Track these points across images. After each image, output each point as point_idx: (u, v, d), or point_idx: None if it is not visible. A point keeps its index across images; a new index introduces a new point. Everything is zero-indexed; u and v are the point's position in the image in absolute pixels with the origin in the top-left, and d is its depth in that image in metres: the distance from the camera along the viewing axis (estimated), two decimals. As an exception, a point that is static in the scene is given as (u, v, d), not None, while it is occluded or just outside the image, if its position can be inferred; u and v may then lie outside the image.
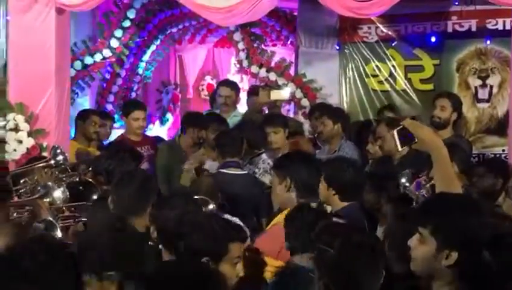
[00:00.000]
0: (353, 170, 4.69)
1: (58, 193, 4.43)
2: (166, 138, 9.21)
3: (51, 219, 4.02)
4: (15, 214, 4.37)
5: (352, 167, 4.77)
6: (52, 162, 4.96)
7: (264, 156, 6.16)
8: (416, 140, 3.40)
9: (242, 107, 8.98)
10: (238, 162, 5.64)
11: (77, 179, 5.05)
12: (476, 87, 8.48)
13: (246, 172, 5.70)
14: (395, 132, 3.51)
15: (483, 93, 8.45)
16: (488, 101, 8.43)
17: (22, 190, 4.71)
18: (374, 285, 2.68)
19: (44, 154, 6.43)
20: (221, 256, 3.09)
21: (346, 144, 6.77)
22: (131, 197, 3.74)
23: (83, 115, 7.37)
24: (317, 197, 4.35)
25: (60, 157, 5.08)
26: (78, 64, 8.98)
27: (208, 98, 11.18)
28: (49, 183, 4.54)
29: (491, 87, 8.41)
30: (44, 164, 5.00)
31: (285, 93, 7.92)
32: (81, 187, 4.80)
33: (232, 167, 5.57)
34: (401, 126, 3.51)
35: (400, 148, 3.56)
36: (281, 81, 8.80)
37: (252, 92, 8.30)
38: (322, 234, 2.80)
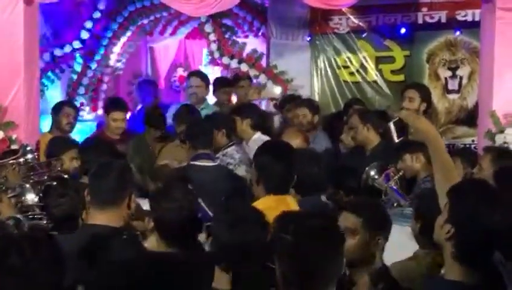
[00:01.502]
0: (312, 165, 4.71)
1: (31, 195, 4.42)
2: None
3: (18, 216, 4.00)
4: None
5: (312, 161, 4.77)
6: (21, 160, 4.93)
7: (235, 146, 6.15)
8: (412, 131, 3.43)
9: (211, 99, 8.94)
10: (209, 154, 5.61)
11: (46, 176, 5.00)
12: (446, 78, 8.55)
13: (217, 163, 5.67)
14: (391, 124, 3.53)
15: (453, 84, 8.52)
16: (458, 92, 8.51)
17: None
18: (334, 271, 2.64)
19: (14, 146, 6.36)
20: None
21: (320, 135, 6.78)
22: (108, 188, 3.68)
23: (56, 107, 7.27)
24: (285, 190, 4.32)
25: (29, 156, 5.05)
26: (47, 56, 8.92)
27: (179, 89, 11.14)
28: (26, 185, 4.52)
29: (461, 78, 8.49)
30: (13, 161, 4.96)
31: (276, 91, 7.94)
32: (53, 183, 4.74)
33: (204, 159, 5.55)
34: (397, 118, 3.54)
35: (396, 140, 3.56)
36: (252, 73, 8.80)
37: (221, 84, 8.25)
38: (279, 221, 2.76)
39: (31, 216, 4.36)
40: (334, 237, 2.65)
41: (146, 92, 9.21)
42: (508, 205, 2.94)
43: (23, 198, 4.43)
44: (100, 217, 3.66)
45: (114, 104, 7.32)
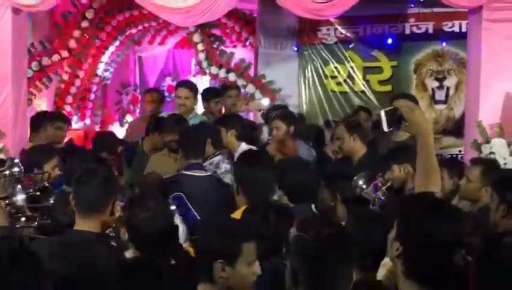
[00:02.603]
0: (304, 172, 4.73)
1: (21, 195, 4.39)
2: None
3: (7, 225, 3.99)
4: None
5: (303, 168, 4.80)
6: (7, 172, 4.90)
7: (220, 156, 6.15)
8: (406, 123, 3.42)
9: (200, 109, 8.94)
10: (201, 164, 5.61)
11: (33, 188, 4.98)
12: (433, 89, 8.60)
13: (209, 174, 5.67)
14: (382, 112, 3.50)
15: (440, 95, 8.57)
16: (445, 102, 8.56)
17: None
18: (341, 280, 2.72)
19: (1, 156, 6.34)
20: (235, 257, 3.05)
21: (301, 145, 6.76)
22: (93, 194, 3.65)
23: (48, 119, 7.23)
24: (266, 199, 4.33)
25: (16, 169, 5.03)
26: (35, 65, 8.91)
27: (168, 99, 11.13)
28: (18, 185, 4.49)
29: (448, 88, 8.54)
30: (-1, 174, 4.94)
31: (264, 102, 7.94)
32: (38, 193, 4.73)
33: (196, 169, 5.54)
34: (392, 107, 3.54)
35: (386, 129, 3.52)
36: (240, 82, 8.81)
37: (210, 94, 8.25)
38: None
39: (21, 219, 4.34)
40: (348, 247, 2.77)
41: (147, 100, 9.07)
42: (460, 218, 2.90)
43: (13, 199, 4.40)
44: (83, 224, 3.63)
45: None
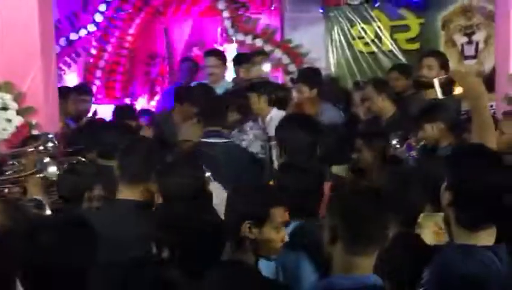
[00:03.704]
0: (334, 134, 4.76)
1: (53, 169, 4.46)
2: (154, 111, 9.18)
3: (40, 198, 4.06)
4: (6, 190, 4.40)
5: (333, 131, 4.83)
6: (41, 148, 4.96)
7: (250, 122, 6.16)
8: (459, 89, 3.49)
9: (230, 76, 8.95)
10: (219, 131, 5.60)
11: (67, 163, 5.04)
12: (462, 44, 8.50)
13: (227, 140, 5.65)
14: (436, 80, 3.60)
15: (469, 50, 8.47)
16: (474, 57, 8.46)
17: (8, 172, 4.70)
18: (379, 234, 2.76)
19: (34, 132, 6.42)
20: (263, 220, 3.12)
21: (327, 107, 6.74)
22: (139, 164, 3.78)
23: (63, 94, 7.35)
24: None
25: (50, 145, 5.09)
26: (63, 41, 8.96)
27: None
28: (46, 158, 4.56)
29: (477, 43, 8.43)
30: (33, 149, 5.00)
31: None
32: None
33: (213, 137, 5.56)
34: (445, 76, 3.67)
35: (440, 97, 3.63)
36: (267, 48, 8.79)
37: (237, 61, 8.24)
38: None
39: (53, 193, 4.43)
40: (383, 201, 2.81)
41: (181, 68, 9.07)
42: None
43: (45, 173, 4.47)
44: (127, 193, 3.77)
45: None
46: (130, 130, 5.68)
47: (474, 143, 3.34)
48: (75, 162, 4.75)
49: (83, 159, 4.83)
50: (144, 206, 3.76)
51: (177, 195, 3.68)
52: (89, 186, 4.24)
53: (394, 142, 5.38)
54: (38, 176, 4.41)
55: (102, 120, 6.85)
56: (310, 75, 6.99)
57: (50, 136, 5.03)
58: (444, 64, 6.59)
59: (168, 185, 3.73)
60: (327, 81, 7.60)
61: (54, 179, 4.42)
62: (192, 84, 8.01)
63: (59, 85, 7.73)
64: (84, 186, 4.25)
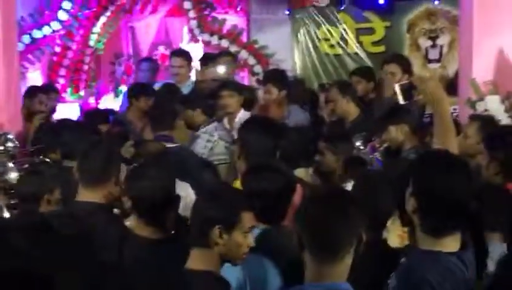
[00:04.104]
0: (298, 136, 4.76)
1: (14, 174, 4.41)
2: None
3: None
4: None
5: (298, 132, 4.82)
6: (1, 148, 4.89)
7: (216, 123, 6.15)
8: (420, 94, 3.56)
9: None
10: (167, 135, 5.58)
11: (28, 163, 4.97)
12: (426, 48, 8.57)
13: (176, 145, 5.63)
14: (397, 86, 3.63)
15: (433, 54, 8.55)
16: (438, 61, 8.54)
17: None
18: (343, 240, 2.63)
19: (-4, 131, 6.34)
20: (233, 225, 3.06)
21: (294, 109, 6.75)
22: (98, 166, 3.80)
23: (30, 93, 7.27)
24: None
25: (10, 145, 5.02)
26: (26, 39, 8.86)
27: (161, 68, 11.07)
28: (8, 163, 4.50)
29: (441, 47, 8.51)
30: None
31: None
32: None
33: (163, 141, 5.53)
34: (406, 81, 3.72)
35: (402, 102, 3.67)
36: (233, 48, 8.78)
37: (203, 61, 8.21)
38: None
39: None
40: (346, 206, 2.67)
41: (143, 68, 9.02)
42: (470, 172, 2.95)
43: (6, 177, 4.42)
44: (87, 195, 3.78)
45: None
46: (94, 130, 5.63)
47: (439, 149, 3.34)
48: (37, 161, 4.69)
49: (47, 160, 4.77)
50: (106, 209, 3.76)
51: (148, 199, 3.62)
52: (50, 188, 4.15)
53: (358, 143, 5.40)
54: None
55: (66, 120, 6.76)
56: (279, 77, 6.99)
57: (9, 136, 4.96)
58: (406, 68, 6.64)
59: (139, 189, 3.66)
60: (293, 82, 7.61)
61: (14, 182, 4.36)
62: (157, 84, 7.97)
63: (22, 84, 7.66)
64: (45, 189, 4.16)
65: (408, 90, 3.60)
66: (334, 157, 5.07)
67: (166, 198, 3.64)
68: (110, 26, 10.20)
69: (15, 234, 2.45)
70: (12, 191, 4.34)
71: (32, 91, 7.34)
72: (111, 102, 10.31)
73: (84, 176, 3.81)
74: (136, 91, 7.04)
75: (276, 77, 6.98)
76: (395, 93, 3.65)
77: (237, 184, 4.09)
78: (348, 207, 2.66)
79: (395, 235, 3.63)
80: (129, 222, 3.81)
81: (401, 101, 3.64)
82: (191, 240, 3.12)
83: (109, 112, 7.61)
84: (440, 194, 2.80)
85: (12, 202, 4.25)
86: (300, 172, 4.69)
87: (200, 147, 6.01)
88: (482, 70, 6.43)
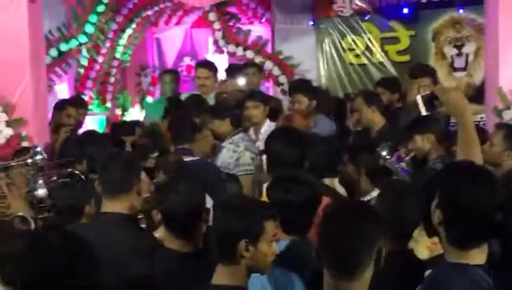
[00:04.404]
0: (325, 146, 4.75)
1: (42, 191, 4.45)
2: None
3: (25, 215, 4.06)
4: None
5: (324, 143, 4.82)
6: (29, 161, 4.94)
7: (242, 134, 6.17)
8: (443, 106, 3.47)
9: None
10: (187, 148, 5.61)
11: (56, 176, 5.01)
12: (452, 57, 8.55)
13: (196, 158, 5.65)
14: (419, 97, 3.56)
15: (459, 62, 8.52)
16: (464, 69, 8.50)
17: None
18: (361, 257, 2.59)
19: (25, 143, 6.41)
20: (258, 236, 3.03)
21: (321, 119, 6.76)
22: (118, 177, 3.81)
23: (59, 106, 7.37)
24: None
25: (38, 157, 5.07)
26: (54, 52, 8.95)
27: (187, 79, 11.15)
28: (39, 179, 4.55)
29: (467, 55, 8.47)
30: (21, 162, 4.98)
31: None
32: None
33: (181, 155, 5.56)
34: (427, 92, 3.59)
35: (424, 113, 3.58)
36: (258, 59, 8.81)
37: (229, 72, 8.26)
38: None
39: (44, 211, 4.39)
40: (357, 218, 2.64)
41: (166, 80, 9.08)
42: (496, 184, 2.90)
43: (35, 193, 4.46)
44: (110, 206, 3.80)
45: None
46: (118, 142, 5.67)
47: (464, 160, 3.28)
48: (67, 173, 4.73)
49: (76, 172, 4.81)
50: (130, 219, 3.80)
51: (179, 213, 3.63)
52: (87, 200, 4.19)
53: (384, 153, 5.37)
54: (26, 193, 4.39)
55: (91, 131, 6.82)
56: (308, 87, 7.01)
57: (38, 149, 5.01)
58: (434, 79, 6.66)
59: (170, 203, 3.68)
60: (319, 92, 7.62)
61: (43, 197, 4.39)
62: (183, 95, 8.02)
63: (50, 96, 7.75)
64: (83, 201, 4.19)
65: (430, 101, 3.53)
66: (354, 168, 5.05)
67: (196, 212, 3.65)
68: (135, 38, 10.28)
69: (50, 248, 2.47)
70: (42, 206, 4.38)
71: (61, 104, 7.43)
72: (137, 113, 10.39)
73: (105, 187, 3.85)
74: (190, 104, 7.03)
75: (305, 86, 6.99)
76: (417, 104, 3.60)
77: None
78: (364, 222, 2.61)
79: (423, 247, 3.61)
80: (158, 234, 3.84)
81: (423, 112, 3.57)
82: (215, 256, 3.09)
83: (135, 123, 7.66)
84: (465, 205, 2.78)
85: (40, 216, 4.28)
86: (325, 182, 4.70)
87: (226, 157, 6.03)
88: (508, 78, 6.38)
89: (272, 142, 4.55)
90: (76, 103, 7.74)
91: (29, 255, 2.44)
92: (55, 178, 4.62)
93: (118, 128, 6.88)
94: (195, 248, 3.63)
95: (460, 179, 2.85)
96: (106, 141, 5.52)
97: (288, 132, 4.75)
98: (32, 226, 3.99)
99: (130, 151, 4.60)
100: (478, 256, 2.80)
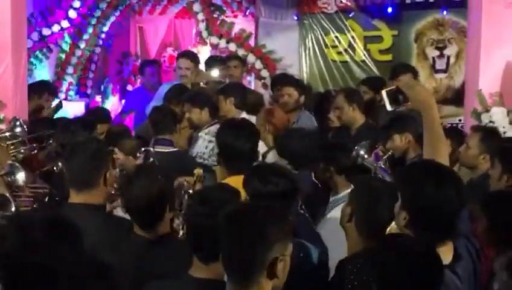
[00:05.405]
0: (305, 141, 4.77)
1: (21, 175, 4.36)
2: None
3: (5, 194, 3.96)
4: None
5: (305, 137, 4.84)
6: (8, 134, 4.85)
7: (218, 125, 6.16)
8: (408, 101, 3.41)
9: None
10: (167, 139, 5.58)
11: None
12: (433, 58, 8.58)
13: (174, 149, 5.63)
14: (384, 93, 3.49)
15: (440, 64, 8.56)
16: (445, 71, 8.54)
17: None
18: (256, 259, 2.49)
19: (2, 126, 6.36)
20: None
21: (304, 115, 6.77)
22: (81, 169, 3.61)
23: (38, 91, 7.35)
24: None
25: (18, 130, 4.97)
26: (35, 36, 8.89)
27: (169, 69, 11.11)
28: (16, 164, 4.47)
29: (448, 57, 8.52)
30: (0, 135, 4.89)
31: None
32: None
33: (163, 145, 5.53)
34: (392, 87, 3.54)
35: (389, 109, 3.51)
36: (240, 52, 8.80)
37: (212, 63, 8.23)
38: None
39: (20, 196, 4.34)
40: (255, 224, 2.53)
41: (150, 72, 9.08)
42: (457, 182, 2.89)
43: (12, 177, 4.39)
44: (77, 198, 3.64)
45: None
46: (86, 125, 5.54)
47: (426, 160, 3.23)
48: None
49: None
50: (97, 208, 3.63)
51: (142, 209, 3.48)
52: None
53: (362, 152, 5.38)
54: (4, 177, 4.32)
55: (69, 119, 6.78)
56: (298, 81, 7.02)
57: (19, 122, 4.92)
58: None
59: (131, 200, 3.52)
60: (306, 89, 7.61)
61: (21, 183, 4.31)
62: (165, 84, 7.98)
63: (30, 80, 7.69)
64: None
65: (395, 96, 3.47)
66: (326, 167, 5.05)
67: (157, 203, 3.48)
68: (119, 26, 10.24)
69: (38, 228, 2.43)
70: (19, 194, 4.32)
71: (40, 89, 7.38)
72: (116, 101, 10.36)
73: (70, 179, 3.68)
74: (173, 94, 6.98)
75: (295, 81, 7.01)
76: (381, 99, 3.52)
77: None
78: (261, 226, 2.49)
79: None
80: None
81: (388, 107, 3.51)
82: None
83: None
84: (429, 205, 2.76)
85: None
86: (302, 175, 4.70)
87: (201, 147, 6.02)
88: (488, 81, 6.43)
89: (223, 135, 4.51)
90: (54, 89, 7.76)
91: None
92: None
93: (93, 114, 6.82)
94: (160, 235, 3.47)
95: (422, 180, 2.82)
96: (76, 126, 5.39)
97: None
98: (13, 207, 3.86)
99: (96, 141, 4.28)
100: (445, 255, 2.78)
